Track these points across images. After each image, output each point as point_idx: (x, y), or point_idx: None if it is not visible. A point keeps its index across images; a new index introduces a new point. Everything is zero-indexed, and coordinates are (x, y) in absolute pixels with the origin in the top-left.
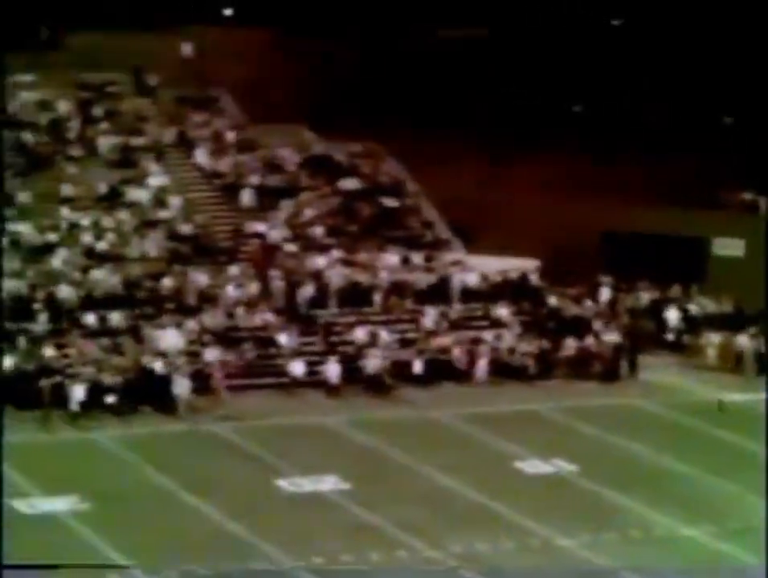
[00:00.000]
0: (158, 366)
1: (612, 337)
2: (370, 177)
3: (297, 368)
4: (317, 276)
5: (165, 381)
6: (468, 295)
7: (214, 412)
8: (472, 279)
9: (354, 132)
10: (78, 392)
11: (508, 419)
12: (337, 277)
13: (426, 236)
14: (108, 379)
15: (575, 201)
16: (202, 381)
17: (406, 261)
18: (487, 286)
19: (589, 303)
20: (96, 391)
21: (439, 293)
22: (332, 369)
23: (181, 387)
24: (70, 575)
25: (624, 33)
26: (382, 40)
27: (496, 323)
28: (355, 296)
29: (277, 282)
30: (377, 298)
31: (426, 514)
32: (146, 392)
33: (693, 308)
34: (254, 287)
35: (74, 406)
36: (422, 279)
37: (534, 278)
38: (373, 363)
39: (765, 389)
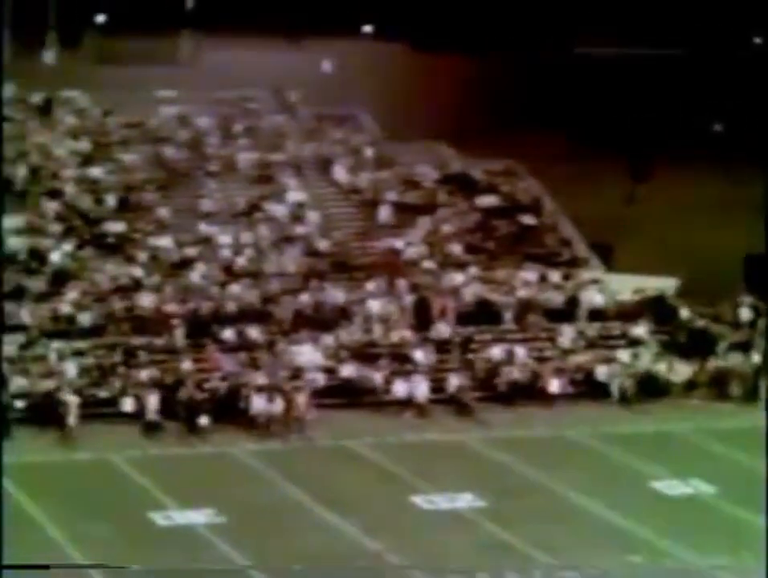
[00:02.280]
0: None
1: (752, 358)
2: (509, 195)
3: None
4: (454, 293)
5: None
6: (597, 314)
7: (297, 431)
8: (600, 299)
9: (493, 150)
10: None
11: (645, 439)
12: (472, 294)
13: (563, 254)
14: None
15: (717, 220)
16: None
17: (543, 279)
18: (616, 305)
19: (729, 323)
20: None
21: (569, 312)
22: (421, 388)
23: (271, 405)
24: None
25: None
26: (523, 57)
27: (634, 342)
28: (491, 313)
29: (413, 299)
30: (512, 315)
31: (562, 533)
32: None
33: None
34: (391, 304)
35: (203, 421)
36: (554, 298)
37: (672, 298)
38: (454, 382)
39: None
